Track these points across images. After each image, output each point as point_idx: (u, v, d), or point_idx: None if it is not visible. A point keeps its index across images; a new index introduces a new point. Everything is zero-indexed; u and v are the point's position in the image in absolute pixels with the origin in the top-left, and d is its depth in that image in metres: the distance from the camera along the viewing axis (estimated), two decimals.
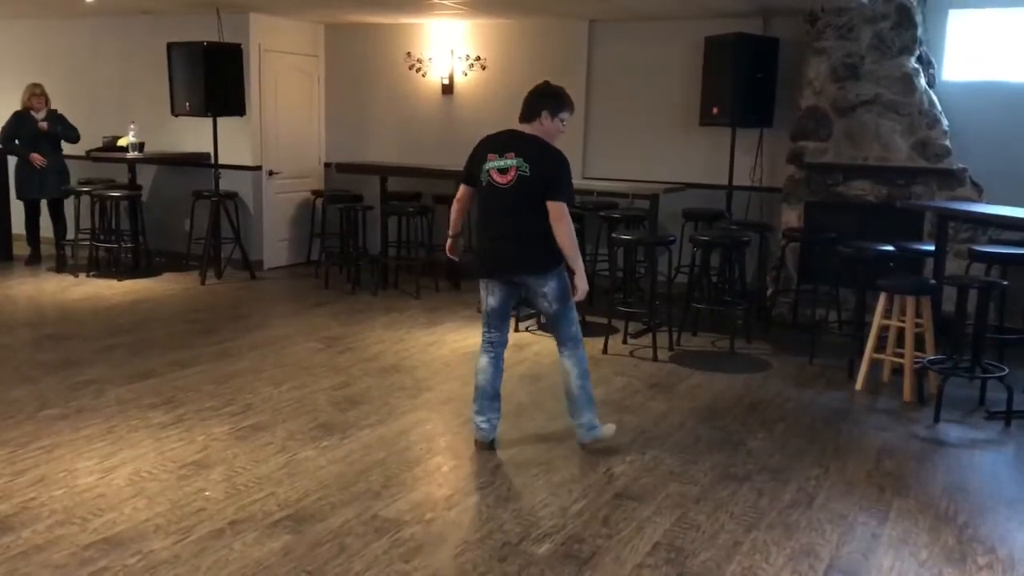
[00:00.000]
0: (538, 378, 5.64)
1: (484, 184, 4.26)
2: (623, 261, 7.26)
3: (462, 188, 4.44)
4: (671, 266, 7.52)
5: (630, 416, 4.97)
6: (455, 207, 4.50)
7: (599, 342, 6.40)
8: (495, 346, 4.44)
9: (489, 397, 4.43)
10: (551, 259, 4.24)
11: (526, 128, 4.30)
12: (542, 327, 6.91)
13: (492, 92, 8.81)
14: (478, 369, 4.46)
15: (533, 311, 7.13)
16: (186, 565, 3.20)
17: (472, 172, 4.34)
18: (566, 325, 4.36)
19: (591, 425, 4.41)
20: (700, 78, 7.52)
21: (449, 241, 4.65)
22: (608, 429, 4.49)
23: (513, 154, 4.20)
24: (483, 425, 4.43)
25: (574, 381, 4.37)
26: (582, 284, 4.28)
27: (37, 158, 8.56)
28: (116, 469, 4.04)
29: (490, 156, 4.25)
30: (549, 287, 4.25)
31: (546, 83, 4.40)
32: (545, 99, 4.30)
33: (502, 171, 4.20)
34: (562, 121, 4.33)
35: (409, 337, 6.57)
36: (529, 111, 4.30)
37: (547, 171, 4.17)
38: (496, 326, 4.42)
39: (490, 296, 4.37)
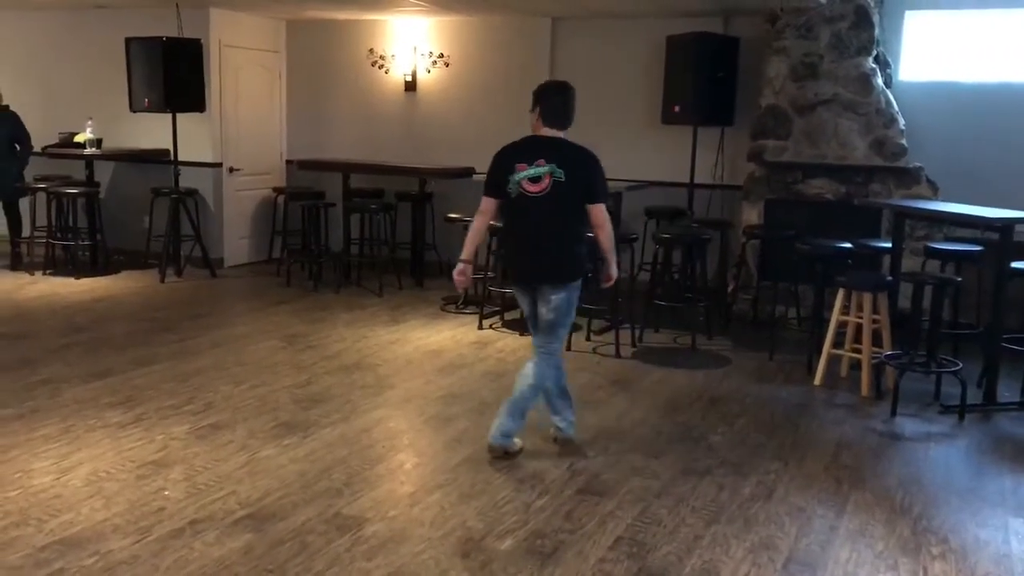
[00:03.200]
0: (501, 375, 5.64)
1: (514, 195, 4.13)
2: None
3: (487, 201, 4.25)
4: (633, 263, 7.55)
5: (592, 412, 4.99)
6: (478, 223, 4.26)
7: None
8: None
9: (558, 396, 4.41)
10: (574, 272, 4.19)
11: (556, 133, 4.21)
12: (507, 324, 6.93)
13: (456, 89, 8.80)
14: (522, 375, 4.32)
15: (497, 308, 7.15)
16: (145, 565, 3.17)
17: (496, 183, 4.18)
18: (554, 339, 4.26)
19: (509, 430, 4.24)
20: (662, 77, 7.57)
21: (461, 266, 4.25)
22: (517, 443, 4.33)
23: (544, 160, 4.10)
24: (561, 425, 4.46)
25: (520, 390, 4.23)
26: (615, 272, 4.30)
27: None
28: (73, 469, 3.98)
29: (518, 166, 4.12)
30: (558, 297, 4.15)
31: (570, 84, 4.34)
32: (574, 103, 4.28)
33: (534, 179, 4.09)
34: None
35: (372, 335, 6.55)
36: (570, 117, 4.25)
37: (585, 176, 4.12)
38: (535, 331, 4.35)
39: (521, 302, 4.34)
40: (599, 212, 4.12)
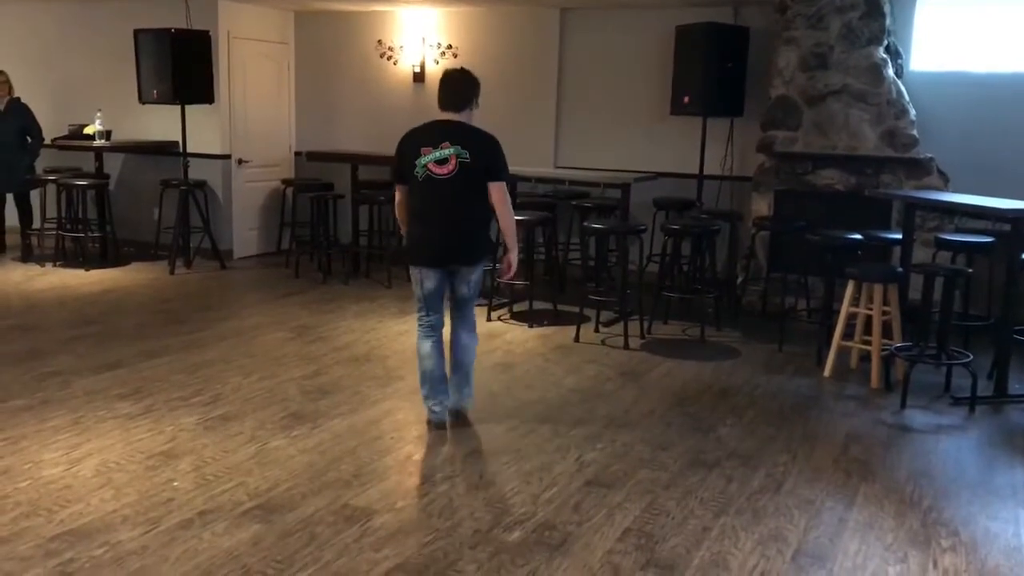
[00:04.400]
0: (510, 367, 5.65)
1: (421, 178, 4.30)
2: (595, 250, 7.28)
3: (401, 189, 4.47)
4: (642, 255, 7.54)
5: (601, 403, 4.99)
6: (398, 210, 4.57)
7: (571, 330, 6.42)
8: (435, 329, 4.53)
9: (439, 380, 4.55)
10: (486, 249, 4.54)
11: (454, 116, 4.36)
12: (515, 316, 6.92)
13: None
14: (423, 355, 4.52)
15: (505, 300, 7.14)
16: (154, 556, 3.18)
17: (404, 170, 4.37)
18: (472, 310, 4.59)
19: (470, 393, 4.67)
20: (671, 67, 7.54)
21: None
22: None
23: (448, 143, 4.26)
24: (436, 408, 4.56)
25: (470, 358, 4.59)
26: (516, 261, 4.52)
27: None
28: (83, 460, 4.00)
29: (423, 150, 4.29)
30: (476, 275, 4.48)
31: (465, 69, 4.49)
32: (475, 87, 4.42)
33: (440, 162, 4.26)
34: (479, 105, 4.48)
35: (380, 326, 6.55)
36: (461, 100, 4.38)
37: (487, 156, 4.31)
38: (435, 309, 4.52)
39: (426, 280, 4.44)
40: (499, 189, 4.32)
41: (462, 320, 4.57)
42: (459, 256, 4.40)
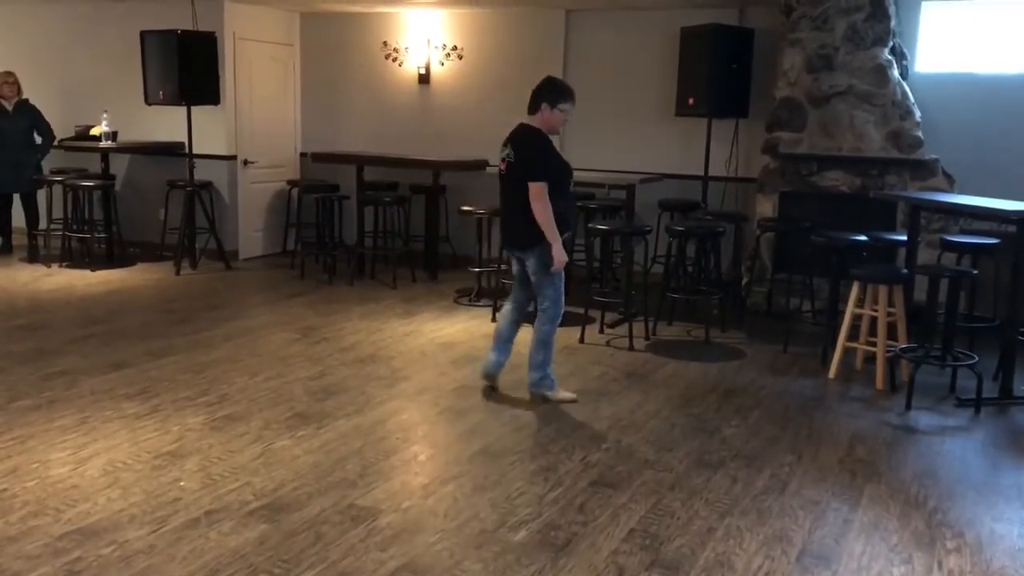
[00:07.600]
0: (515, 367, 5.63)
1: (498, 173, 4.96)
2: (599, 251, 7.29)
3: None
4: (647, 256, 7.55)
5: (606, 404, 5.00)
6: None
7: (575, 332, 6.43)
8: (517, 303, 5.14)
9: (498, 337, 5.12)
10: (531, 236, 4.79)
11: (527, 119, 4.86)
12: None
13: (469, 82, 8.79)
14: (501, 315, 5.22)
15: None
16: (161, 555, 3.20)
17: None
18: (545, 289, 4.89)
19: (533, 379, 5.00)
20: (676, 68, 7.54)
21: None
22: (565, 395, 5.03)
23: (508, 144, 4.84)
24: (490, 356, 5.13)
25: (534, 340, 4.93)
26: (558, 256, 4.75)
27: None
28: (90, 460, 4.01)
29: (502, 148, 4.90)
30: (530, 260, 4.86)
31: (548, 77, 4.97)
32: (544, 92, 4.83)
33: (502, 160, 4.86)
34: (562, 111, 4.81)
35: (386, 327, 6.56)
36: (532, 104, 4.85)
37: (523, 155, 4.76)
38: (517, 288, 5.12)
39: (514, 263, 5.11)
40: (530, 189, 4.69)
41: (538, 304, 4.96)
42: (513, 242, 4.96)
